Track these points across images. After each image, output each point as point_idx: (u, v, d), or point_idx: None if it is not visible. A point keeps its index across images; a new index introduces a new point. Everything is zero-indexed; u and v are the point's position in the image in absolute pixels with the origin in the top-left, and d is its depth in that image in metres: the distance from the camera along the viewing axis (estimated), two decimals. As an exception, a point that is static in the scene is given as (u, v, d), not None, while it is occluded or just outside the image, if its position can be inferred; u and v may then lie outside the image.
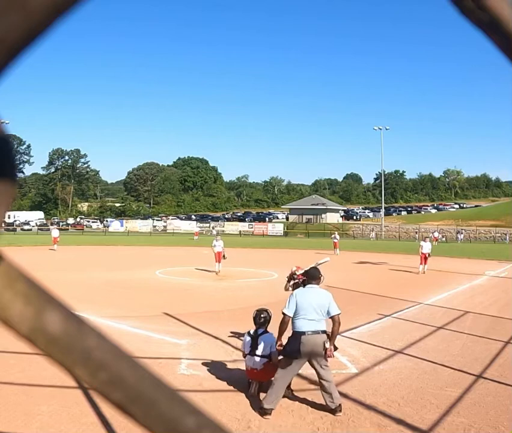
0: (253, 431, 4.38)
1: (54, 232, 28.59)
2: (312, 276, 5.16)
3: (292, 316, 4.86)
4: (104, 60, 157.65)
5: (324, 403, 4.80)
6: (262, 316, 5.53)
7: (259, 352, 5.27)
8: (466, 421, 4.58)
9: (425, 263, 18.52)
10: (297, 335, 4.77)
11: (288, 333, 5.02)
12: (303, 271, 6.06)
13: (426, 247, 18.61)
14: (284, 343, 5.00)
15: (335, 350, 4.95)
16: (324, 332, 4.84)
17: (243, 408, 4.88)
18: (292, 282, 6.20)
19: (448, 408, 4.88)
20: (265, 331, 5.46)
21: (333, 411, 4.72)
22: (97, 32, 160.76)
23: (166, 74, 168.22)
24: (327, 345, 4.77)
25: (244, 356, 5.41)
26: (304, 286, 5.24)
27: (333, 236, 31.96)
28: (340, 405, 4.76)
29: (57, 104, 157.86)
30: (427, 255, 18.53)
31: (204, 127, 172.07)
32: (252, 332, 5.51)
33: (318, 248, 33.27)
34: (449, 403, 5.01)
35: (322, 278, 5.27)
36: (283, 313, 4.95)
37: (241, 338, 7.17)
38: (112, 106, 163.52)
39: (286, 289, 6.44)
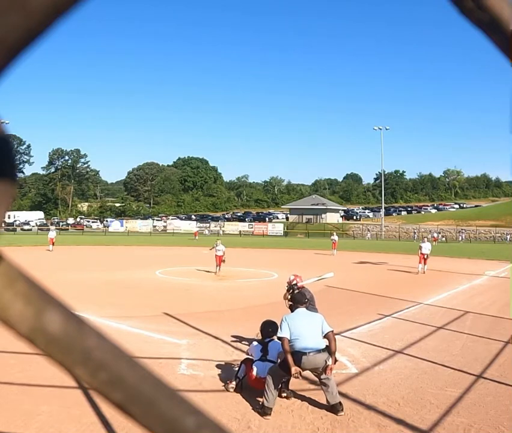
0: (253, 431, 4.38)
1: (51, 233, 28.70)
2: (298, 301, 5.31)
3: (289, 338, 4.91)
4: (104, 60, 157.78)
5: (326, 403, 4.81)
6: (270, 329, 5.57)
7: (269, 357, 5.34)
8: (466, 421, 4.57)
9: (424, 263, 18.50)
10: (298, 355, 4.82)
11: None
12: (302, 283, 6.19)
13: (425, 248, 18.60)
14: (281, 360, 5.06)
15: (334, 363, 5.00)
16: (325, 350, 4.89)
17: (243, 408, 4.88)
18: (291, 291, 6.26)
19: (448, 408, 4.88)
20: (272, 339, 5.55)
21: (335, 410, 4.73)
22: (97, 32, 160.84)
23: (166, 74, 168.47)
24: (329, 362, 4.81)
25: (252, 362, 5.38)
26: (292, 311, 5.33)
27: (332, 237, 31.50)
28: (341, 403, 4.78)
29: (57, 104, 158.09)
30: (425, 256, 18.49)
31: (204, 127, 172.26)
32: (259, 340, 5.60)
33: (318, 248, 33.30)
34: (449, 403, 5.01)
35: (308, 302, 5.43)
36: (279, 338, 5.06)
37: (244, 342, 7.19)
38: (112, 106, 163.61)
39: (285, 298, 6.49)
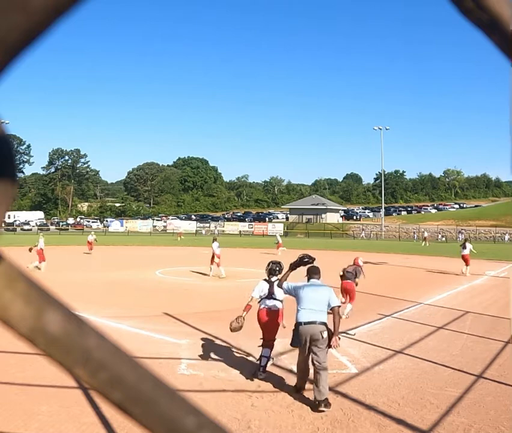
0: (253, 431, 4.38)
1: (90, 236, 27.96)
2: (312, 272, 5.60)
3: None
4: (104, 60, 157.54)
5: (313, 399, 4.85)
6: (277, 268, 6.35)
7: (275, 296, 6.05)
8: (466, 421, 4.58)
9: (466, 265, 17.96)
10: (297, 326, 5.13)
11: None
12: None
13: (467, 249, 18.05)
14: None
15: (337, 336, 5.17)
16: (322, 323, 5.04)
17: (243, 408, 4.88)
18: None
19: (448, 408, 4.89)
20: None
21: (318, 405, 4.76)
22: (97, 31, 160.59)
23: (166, 74, 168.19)
24: (325, 335, 4.99)
25: (259, 301, 6.08)
26: (308, 280, 5.57)
27: (276, 241, 30.64)
28: (327, 399, 4.79)
29: (57, 104, 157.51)
30: (468, 256, 17.95)
31: (204, 127, 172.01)
32: (266, 279, 6.28)
33: (318, 248, 33.28)
34: (449, 403, 5.01)
35: (320, 274, 5.67)
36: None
37: (243, 339, 7.19)
38: (112, 106, 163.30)
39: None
